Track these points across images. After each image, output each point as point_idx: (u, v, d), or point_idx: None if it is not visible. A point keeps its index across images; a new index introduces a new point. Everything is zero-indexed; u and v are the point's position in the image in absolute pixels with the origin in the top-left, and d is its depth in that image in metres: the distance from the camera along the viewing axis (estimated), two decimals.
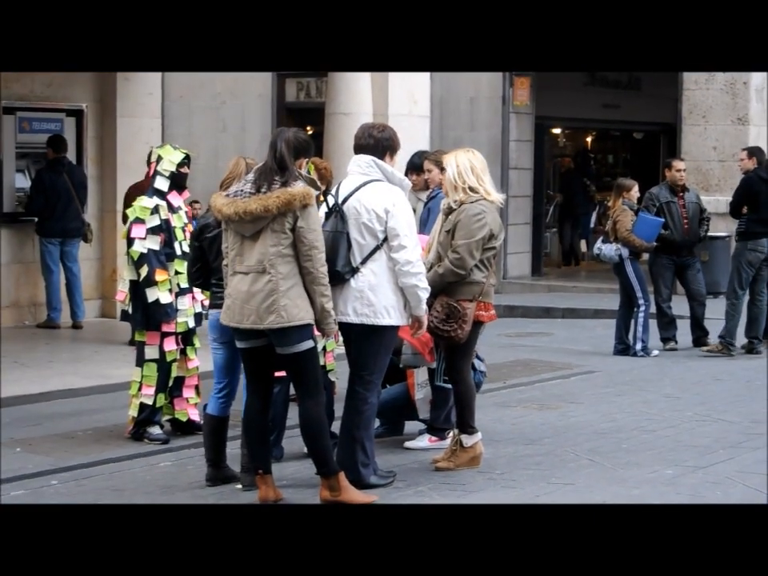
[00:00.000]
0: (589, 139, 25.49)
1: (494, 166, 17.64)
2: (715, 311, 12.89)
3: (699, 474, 7.54)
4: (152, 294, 8.67)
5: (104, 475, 8.02)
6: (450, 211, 7.78)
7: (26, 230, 14.22)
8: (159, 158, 8.81)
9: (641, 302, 12.50)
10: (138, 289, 8.74)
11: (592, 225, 22.26)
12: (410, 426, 8.79)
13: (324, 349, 8.11)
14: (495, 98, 19.19)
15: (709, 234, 13.26)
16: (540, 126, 20.17)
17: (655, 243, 12.60)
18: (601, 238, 13.05)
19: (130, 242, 8.80)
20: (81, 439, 9.00)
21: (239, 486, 7.47)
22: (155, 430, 8.79)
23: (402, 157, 8.25)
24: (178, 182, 8.83)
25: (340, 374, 8.40)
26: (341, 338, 7.54)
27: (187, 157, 8.87)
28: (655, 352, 12.51)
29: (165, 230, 8.76)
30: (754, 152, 12.69)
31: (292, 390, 7.56)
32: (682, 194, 12.88)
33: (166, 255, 8.76)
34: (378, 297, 7.18)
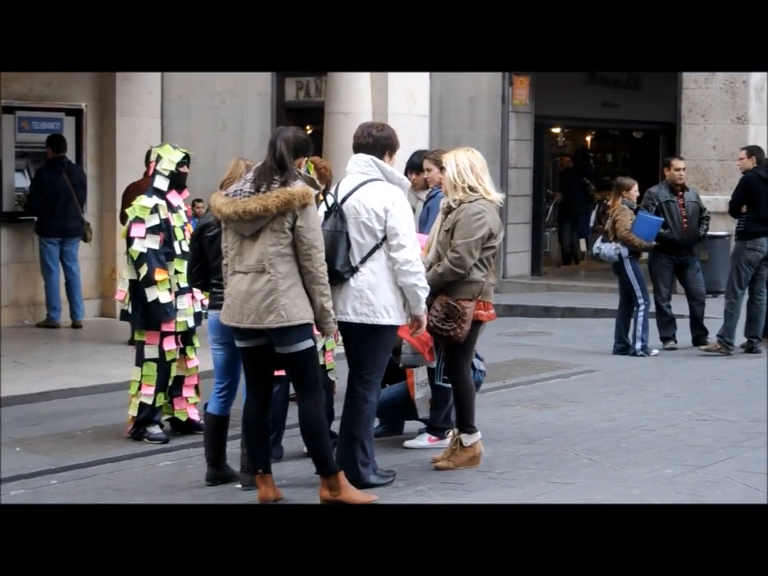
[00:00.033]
0: (588, 138, 25.49)
1: (494, 166, 17.64)
2: (715, 310, 12.89)
3: (699, 473, 7.54)
4: (151, 294, 8.67)
5: (104, 475, 8.02)
6: (449, 210, 7.78)
7: (25, 229, 14.22)
8: (159, 158, 8.81)
9: (640, 301, 12.51)
10: (137, 288, 8.74)
11: (591, 224, 22.24)
12: (410, 425, 8.79)
13: (323, 348, 8.11)
14: (494, 97, 19.19)
15: (708, 233, 13.25)
16: (539, 125, 20.16)
17: (654, 242, 12.60)
18: (600, 238, 13.05)
19: (129, 241, 8.80)
20: (80, 439, 9.00)
21: (239, 486, 7.47)
22: (155, 430, 8.79)
23: (402, 156, 8.25)
24: (177, 181, 8.84)
25: (339, 374, 8.39)
26: (340, 338, 7.54)
27: (186, 156, 8.87)
28: (655, 351, 12.52)
29: (164, 229, 8.76)
30: (753, 151, 12.68)
31: (292, 390, 7.56)
32: (681, 193, 12.88)
33: (165, 254, 8.76)
34: (377, 296, 7.18)
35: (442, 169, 8.22)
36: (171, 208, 8.82)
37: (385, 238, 7.20)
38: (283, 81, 18.46)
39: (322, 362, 7.88)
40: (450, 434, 8.05)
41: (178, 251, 8.80)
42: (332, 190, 7.46)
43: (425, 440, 8.45)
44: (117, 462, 8.30)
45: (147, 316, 8.73)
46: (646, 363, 12.02)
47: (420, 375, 8.46)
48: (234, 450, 7.75)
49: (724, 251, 15.58)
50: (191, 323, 8.88)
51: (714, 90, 17.43)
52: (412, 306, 7.27)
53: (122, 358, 11.28)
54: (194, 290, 8.71)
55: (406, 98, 14.96)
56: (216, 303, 7.50)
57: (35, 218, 14.05)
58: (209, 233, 7.63)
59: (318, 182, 7.64)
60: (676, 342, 12.77)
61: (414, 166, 9.47)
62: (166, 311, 8.69)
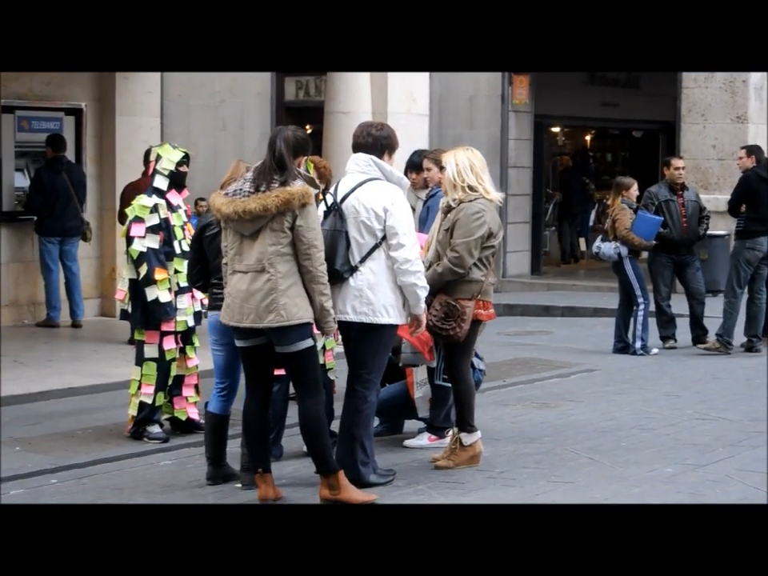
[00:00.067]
0: (588, 138, 25.49)
1: (493, 165, 17.66)
2: (715, 309, 12.89)
3: (699, 472, 7.54)
4: (151, 293, 8.67)
5: (104, 474, 8.02)
6: (448, 210, 7.78)
7: (25, 228, 14.22)
8: (158, 157, 8.81)
9: (640, 300, 12.51)
10: (137, 287, 8.74)
11: (591, 223, 22.26)
12: (410, 424, 8.79)
13: (323, 347, 8.12)
14: (494, 96, 19.19)
15: (708, 232, 13.25)
16: (539, 125, 20.16)
17: (654, 242, 12.60)
18: (600, 237, 13.05)
19: (129, 240, 8.80)
20: (80, 438, 9.00)
21: (239, 485, 7.47)
22: (155, 429, 8.79)
23: (401, 155, 8.26)
24: (177, 180, 8.84)
25: (339, 373, 8.40)
26: (340, 337, 7.54)
27: (186, 155, 8.88)
28: (655, 350, 12.52)
29: (164, 228, 8.76)
30: (752, 150, 12.68)
31: (291, 389, 7.56)
32: (681, 192, 12.88)
33: (165, 254, 8.76)
34: (376, 295, 7.18)
35: (441, 168, 8.23)
36: (171, 207, 8.82)
37: (384, 238, 7.20)
38: (283, 80, 18.47)
39: (321, 362, 7.88)
40: (450, 433, 8.06)
41: (178, 250, 8.80)
42: (331, 190, 7.46)
43: (424, 439, 8.46)
44: (117, 461, 8.30)
45: (147, 315, 8.73)
46: (645, 362, 12.03)
47: (420, 374, 8.46)
48: (233, 449, 7.76)
49: (724, 250, 15.57)
50: (191, 322, 8.88)
51: (713, 90, 17.43)
52: (411, 305, 7.28)
53: (122, 357, 11.28)
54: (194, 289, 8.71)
55: (405, 98, 14.98)
56: (216, 304, 7.49)
57: (35, 218, 14.05)
58: (209, 232, 7.63)
59: (317, 182, 7.64)
60: (676, 341, 12.78)
61: (414, 165, 9.48)
62: (166, 310, 8.69)
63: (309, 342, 6.89)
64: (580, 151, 25.03)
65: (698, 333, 12.73)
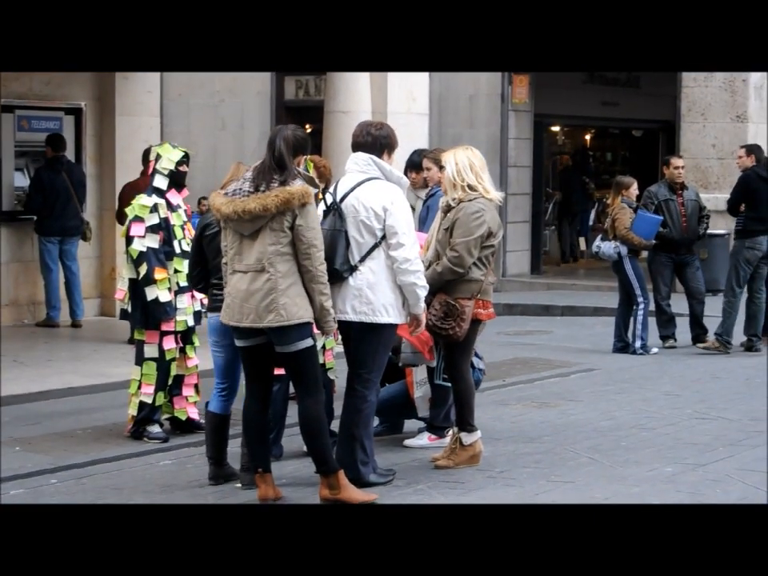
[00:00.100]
0: (588, 137, 25.50)
1: (493, 164, 17.66)
2: (714, 309, 12.90)
3: (699, 471, 7.54)
4: (151, 293, 8.67)
5: (103, 474, 8.02)
6: (448, 209, 7.78)
7: (24, 228, 14.22)
8: (158, 156, 8.81)
9: (640, 299, 12.51)
10: (137, 287, 8.74)
11: (591, 222, 22.26)
12: (410, 424, 8.79)
13: (323, 347, 8.12)
14: (494, 95, 19.19)
15: (708, 231, 13.25)
16: (539, 124, 20.17)
17: (654, 241, 12.60)
18: (600, 236, 13.05)
19: (129, 240, 8.80)
20: (80, 438, 9.00)
21: (239, 485, 7.47)
22: (155, 429, 8.79)
23: (401, 155, 8.26)
24: (176, 180, 8.83)
25: (339, 373, 8.40)
26: (340, 337, 7.54)
27: (186, 155, 8.87)
28: (654, 350, 12.52)
29: (164, 228, 8.76)
30: (752, 149, 12.68)
31: (291, 389, 7.56)
32: (680, 191, 12.88)
33: (165, 253, 8.76)
34: (376, 295, 7.18)
35: (441, 167, 8.22)
36: (171, 207, 8.82)
37: (384, 237, 7.20)
38: (282, 80, 18.47)
39: (321, 361, 7.88)
40: (450, 432, 8.06)
41: (178, 250, 8.80)
42: (331, 189, 7.46)
43: (424, 439, 8.46)
44: (116, 461, 8.30)
45: (147, 315, 8.73)
46: (645, 362, 12.03)
47: (419, 374, 8.46)
48: (234, 449, 7.76)
49: (723, 250, 15.58)
50: (191, 322, 8.88)
51: (713, 89, 17.43)
52: (411, 304, 7.28)
53: (122, 357, 11.28)
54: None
55: (405, 97, 14.98)
56: (215, 306, 7.48)
57: (35, 217, 14.04)
58: (208, 232, 7.62)
59: (317, 181, 7.64)
60: (675, 340, 12.78)
61: (414, 164, 9.49)
62: (166, 310, 8.69)
63: (309, 342, 6.89)
64: (580, 150, 25.04)
65: (698, 332, 12.73)
